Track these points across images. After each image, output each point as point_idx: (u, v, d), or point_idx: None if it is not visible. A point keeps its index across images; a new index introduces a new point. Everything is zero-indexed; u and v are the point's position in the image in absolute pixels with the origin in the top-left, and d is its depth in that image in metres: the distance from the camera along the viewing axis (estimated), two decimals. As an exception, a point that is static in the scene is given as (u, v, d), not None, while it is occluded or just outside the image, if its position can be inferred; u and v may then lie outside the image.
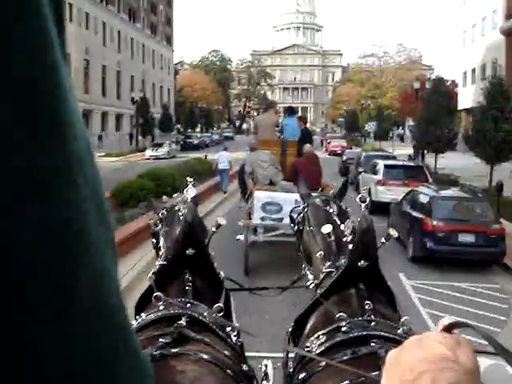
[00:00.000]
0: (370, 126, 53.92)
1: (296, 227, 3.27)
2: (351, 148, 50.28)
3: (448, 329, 0.84)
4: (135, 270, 9.60)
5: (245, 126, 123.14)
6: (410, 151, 43.43)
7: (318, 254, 2.75)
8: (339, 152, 48.31)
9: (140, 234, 11.24)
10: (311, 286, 2.69)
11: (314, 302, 2.42)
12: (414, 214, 12.22)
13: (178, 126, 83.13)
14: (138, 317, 2.30)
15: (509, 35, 41.29)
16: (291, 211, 3.57)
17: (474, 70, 51.87)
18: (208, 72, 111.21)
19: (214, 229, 2.74)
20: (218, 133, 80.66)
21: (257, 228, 10.15)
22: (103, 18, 60.82)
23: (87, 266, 0.42)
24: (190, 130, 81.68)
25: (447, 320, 1.34)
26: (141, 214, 12.96)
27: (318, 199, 3.20)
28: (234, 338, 2.35)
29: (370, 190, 18.02)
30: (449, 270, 11.09)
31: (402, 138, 70.38)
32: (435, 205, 11.54)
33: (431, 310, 8.68)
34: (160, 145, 47.11)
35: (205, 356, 1.98)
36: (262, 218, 9.80)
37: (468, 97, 45.82)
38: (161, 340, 1.99)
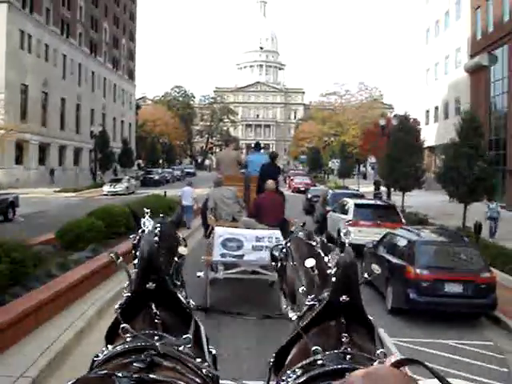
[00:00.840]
0: (334, 163, 53.34)
1: (279, 264, 3.29)
2: (315, 185, 49.61)
3: (396, 365, 0.82)
4: (72, 330, 8.05)
5: (207, 162, 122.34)
6: (373, 189, 43.01)
7: (300, 290, 2.80)
8: (302, 189, 47.56)
9: (83, 283, 9.79)
10: (294, 318, 2.74)
11: (295, 335, 2.46)
12: (393, 260, 10.95)
13: (140, 161, 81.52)
14: (104, 348, 2.32)
15: (472, 73, 41.44)
16: (272, 249, 3.59)
17: (436, 108, 52.11)
18: (170, 107, 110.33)
19: (176, 259, 2.96)
20: (179, 169, 79.25)
21: (217, 265, 9.95)
22: (63, 50, 59.36)
23: None
24: (151, 166, 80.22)
25: (395, 357, 1.52)
26: (88, 259, 11.48)
27: (300, 233, 3.27)
28: (205, 370, 2.32)
29: (338, 230, 16.94)
30: (434, 325, 9.89)
31: (364, 176, 70.39)
32: (417, 250, 10.23)
33: (421, 376, 7.37)
34: (119, 180, 45.53)
35: (179, 383, 1.99)
36: (223, 255, 9.59)
37: (431, 135, 45.71)
38: (135, 365, 2.01)
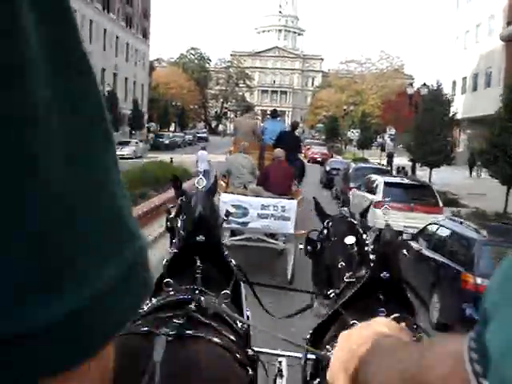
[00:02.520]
0: (353, 134, 50.65)
1: (318, 246, 3.21)
2: (332, 156, 47.17)
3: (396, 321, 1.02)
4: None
5: (221, 127, 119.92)
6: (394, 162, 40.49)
7: (339, 265, 2.82)
8: (319, 159, 45.24)
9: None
10: (331, 296, 2.78)
11: (334, 312, 2.49)
12: (444, 261, 8.56)
13: (152, 124, 79.17)
14: (148, 301, 2.35)
15: (509, 42, 38.51)
16: (308, 233, 3.53)
17: (464, 79, 49.17)
18: (185, 70, 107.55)
19: (224, 217, 3.36)
20: (191, 133, 76.73)
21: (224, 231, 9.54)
22: (75, 5, 56.53)
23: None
24: (162, 129, 78.00)
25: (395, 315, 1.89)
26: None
27: (344, 210, 3.35)
28: (240, 324, 2.42)
29: (363, 212, 14.69)
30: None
31: (382, 147, 67.59)
32: (478, 253, 7.68)
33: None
34: (126, 143, 43.26)
35: (216, 340, 2.07)
36: (228, 222, 7.95)
37: (457, 107, 43.03)
38: (174, 321, 2.09)
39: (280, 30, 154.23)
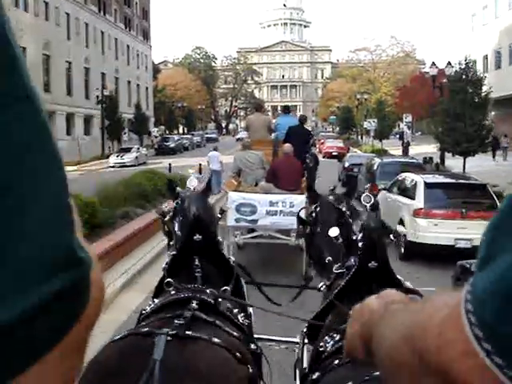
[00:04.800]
0: (370, 124, 47.31)
1: (307, 229, 3.23)
2: (348, 149, 43.95)
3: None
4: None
5: (231, 126, 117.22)
6: (411, 151, 37.05)
7: (326, 260, 2.83)
8: (335, 154, 42.10)
9: None
10: (322, 288, 2.80)
11: (328, 304, 2.49)
12: None
13: (155, 128, 76.35)
14: (151, 302, 2.50)
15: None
16: (299, 212, 3.71)
17: (486, 57, 45.70)
18: (192, 70, 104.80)
19: (218, 215, 3.36)
20: (199, 134, 73.66)
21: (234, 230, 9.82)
22: (66, 8, 53.88)
23: None
24: (171, 132, 75.27)
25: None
26: None
27: (330, 197, 3.23)
28: (241, 319, 2.48)
29: (401, 221, 11.53)
30: None
31: (400, 137, 64.37)
32: None
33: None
34: (127, 150, 40.50)
35: (215, 339, 2.08)
36: (237, 220, 9.47)
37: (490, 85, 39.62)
38: (176, 321, 2.11)
39: (285, 24, 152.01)
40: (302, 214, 3.48)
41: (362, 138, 64.55)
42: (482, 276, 0.53)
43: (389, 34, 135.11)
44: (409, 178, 12.36)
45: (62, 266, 0.46)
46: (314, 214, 3.17)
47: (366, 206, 2.64)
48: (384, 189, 13.71)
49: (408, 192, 11.81)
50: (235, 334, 2.24)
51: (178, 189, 3.09)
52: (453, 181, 12.30)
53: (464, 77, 22.40)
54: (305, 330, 2.62)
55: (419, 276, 9.16)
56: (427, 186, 11.08)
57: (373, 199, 2.70)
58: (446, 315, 0.57)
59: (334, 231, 2.65)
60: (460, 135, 21.34)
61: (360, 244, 2.44)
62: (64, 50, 51.82)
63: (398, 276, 2.42)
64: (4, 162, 0.43)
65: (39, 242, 0.45)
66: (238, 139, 67.40)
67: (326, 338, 2.24)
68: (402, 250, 10.95)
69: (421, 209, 10.74)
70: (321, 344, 2.25)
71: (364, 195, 2.71)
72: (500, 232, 0.53)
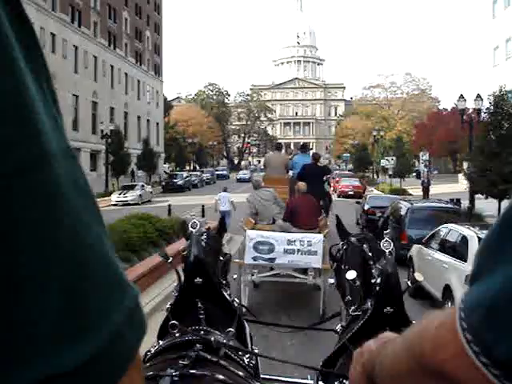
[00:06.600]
0: (389, 161, 44.90)
1: (335, 264, 3.29)
2: (365, 189, 41.50)
3: None
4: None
5: (243, 163, 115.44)
6: (431, 191, 34.50)
7: (346, 299, 2.89)
8: (351, 193, 39.67)
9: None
10: (338, 329, 2.85)
11: (341, 346, 2.50)
12: None
13: (165, 165, 74.43)
14: (156, 343, 2.50)
15: None
16: (330, 248, 3.66)
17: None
18: (204, 106, 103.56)
19: (221, 258, 3.17)
20: (209, 171, 71.54)
21: (251, 268, 9.84)
22: (74, 41, 52.60)
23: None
24: (183, 169, 73.34)
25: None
26: None
27: (353, 238, 3.23)
28: (247, 360, 2.47)
29: (447, 288, 8.94)
30: None
31: (418, 175, 62.00)
32: None
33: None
34: (131, 187, 38.24)
35: (220, 377, 2.11)
36: (254, 258, 9.40)
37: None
38: (180, 362, 2.14)
39: (299, 61, 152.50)
40: (334, 251, 3.42)
41: (377, 176, 62.15)
42: (473, 290, 0.60)
43: (403, 70, 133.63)
44: (455, 231, 9.76)
45: (125, 290, 0.53)
46: (340, 252, 3.21)
47: (385, 251, 2.61)
48: (422, 243, 11.18)
49: (455, 250, 9.27)
50: (240, 373, 2.25)
51: (191, 229, 2.95)
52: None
53: (498, 110, 19.99)
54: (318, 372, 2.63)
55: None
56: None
57: (392, 245, 2.65)
58: (441, 322, 0.64)
59: (350, 274, 2.67)
60: (496, 175, 18.84)
61: (377, 288, 2.46)
62: (70, 83, 50.19)
63: (413, 321, 2.27)
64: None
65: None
66: (238, 179, 66.06)
67: (336, 383, 2.28)
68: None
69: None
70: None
71: (384, 240, 2.68)
72: (489, 252, 0.60)
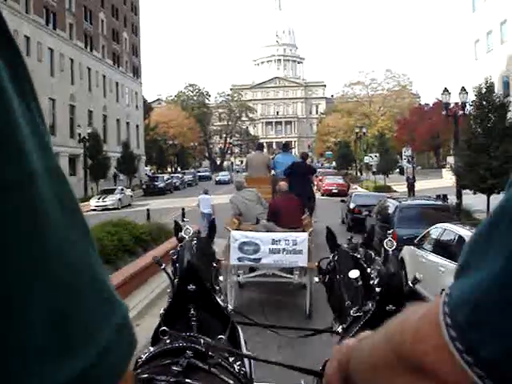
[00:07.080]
0: (372, 158, 44.41)
1: (326, 277, 3.27)
2: (349, 186, 40.97)
3: None
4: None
5: (225, 163, 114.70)
6: (417, 187, 34.04)
7: (346, 304, 2.84)
8: (335, 191, 39.12)
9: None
10: (339, 330, 2.80)
11: None
12: None
13: (146, 168, 73.41)
14: (147, 350, 2.48)
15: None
16: (319, 261, 3.60)
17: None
18: (185, 107, 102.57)
19: (214, 264, 3.12)
20: (191, 172, 70.58)
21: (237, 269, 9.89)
22: (49, 43, 51.44)
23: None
24: (161, 171, 72.37)
25: None
26: None
27: (345, 245, 3.25)
28: (237, 368, 2.46)
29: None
30: None
31: (401, 171, 61.71)
32: None
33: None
34: (110, 191, 37.36)
35: None
36: (240, 259, 9.35)
37: None
38: (173, 368, 2.13)
39: (279, 60, 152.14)
40: (323, 265, 3.38)
41: (361, 173, 61.73)
42: (458, 284, 0.59)
43: (383, 67, 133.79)
44: (450, 230, 9.14)
45: (114, 306, 0.54)
46: (332, 264, 3.18)
47: (388, 250, 2.60)
48: (415, 244, 10.54)
49: (451, 251, 8.63)
50: (230, 382, 2.26)
51: (182, 233, 2.96)
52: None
53: (484, 103, 19.48)
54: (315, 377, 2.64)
55: None
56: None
57: (395, 244, 2.66)
58: (422, 314, 0.63)
59: (354, 273, 2.68)
60: (483, 171, 18.31)
61: (378, 289, 2.46)
62: (47, 87, 49.06)
63: None
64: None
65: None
66: (217, 182, 62.56)
67: None
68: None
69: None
70: None
71: (387, 240, 2.64)
72: (478, 247, 0.59)
